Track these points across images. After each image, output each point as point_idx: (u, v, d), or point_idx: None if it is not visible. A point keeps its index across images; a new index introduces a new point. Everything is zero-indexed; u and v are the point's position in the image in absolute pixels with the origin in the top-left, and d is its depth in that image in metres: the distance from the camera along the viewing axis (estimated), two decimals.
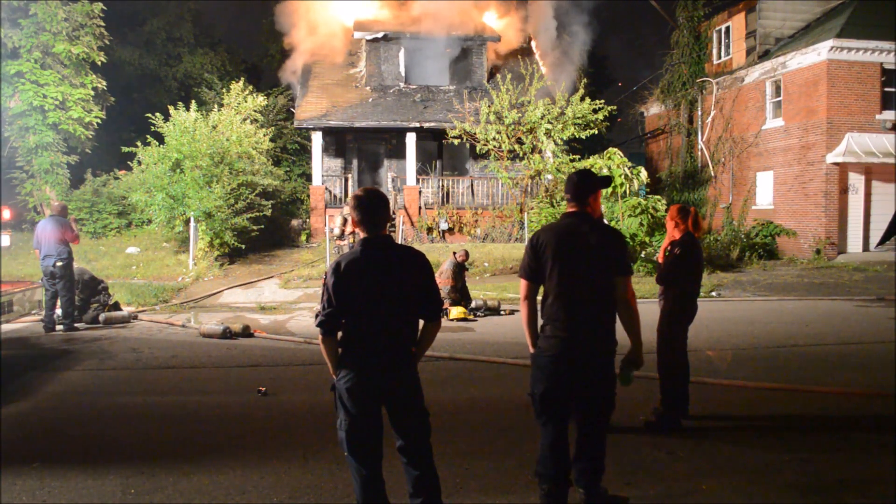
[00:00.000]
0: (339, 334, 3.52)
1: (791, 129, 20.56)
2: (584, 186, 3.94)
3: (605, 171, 16.88)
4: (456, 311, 11.10)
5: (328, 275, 3.46)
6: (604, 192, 16.62)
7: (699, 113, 24.55)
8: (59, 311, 10.39)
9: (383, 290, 3.44)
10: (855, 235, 19.68)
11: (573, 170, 18.85)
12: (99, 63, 21.64)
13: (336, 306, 3.41)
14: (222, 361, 8.28)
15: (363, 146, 23.91)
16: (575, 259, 3.80)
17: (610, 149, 18.11)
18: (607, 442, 4.02)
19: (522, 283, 3.93)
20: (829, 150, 19.17)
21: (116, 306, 11.40)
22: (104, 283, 11.48)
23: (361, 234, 3.52)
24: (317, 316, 3.53)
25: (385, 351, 3.45)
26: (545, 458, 3.86)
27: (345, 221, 16.01)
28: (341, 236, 16.29)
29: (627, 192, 17.04)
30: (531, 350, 3.91)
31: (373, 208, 3.48)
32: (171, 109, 18.01)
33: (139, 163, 17.74)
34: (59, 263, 10.17)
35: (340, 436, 3.48)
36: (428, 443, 3.58)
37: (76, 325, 10.41)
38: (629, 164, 17.25)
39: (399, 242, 4.06)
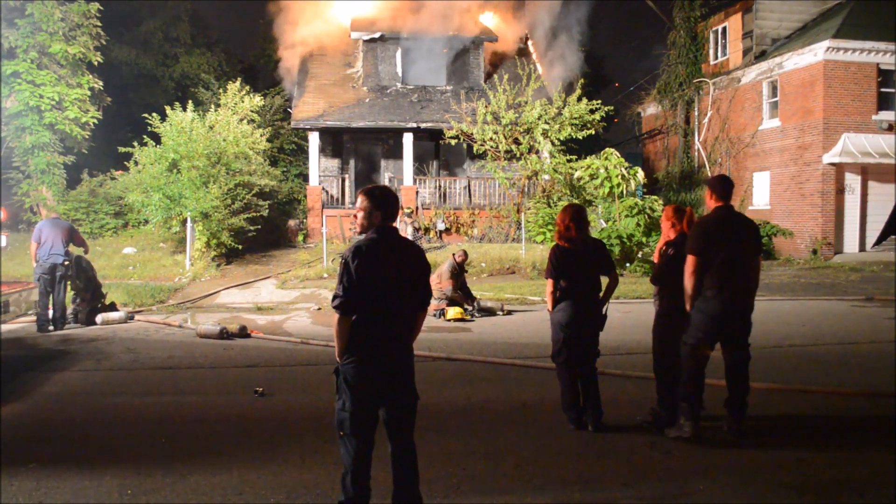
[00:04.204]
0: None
1: (787, 129, 20.60)
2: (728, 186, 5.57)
3: (602, 172, 16.91)
4: (453, 312, 11.11)
5: (349, 257, 3.58)
6: (601, 192, 16.97)
7: (696, 113, 24.59)
8: (50, 312, 10.43)
9: (396, 276, 3.66)
10: (851, 236, 19.73)
11: (571, 171, 19.10)
12: (95, 63, 21.59)
13: (359, 287, 3.56)
14: (219, 362, 8.27)
15: (360, 146, 23.89)
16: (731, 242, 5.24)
17: (607, 149, 18.12)
18: (605, 442, 4.02)
19: (690, 259, 5.20)
20: (826, 151, 19.22)
21: (113, 307, 11.37)
22: (99, 284, 11.43)
23: (375, 224, 3.70)
24: (335, 298, 3.61)
25: (395, 338, 3.67)
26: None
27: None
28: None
29: (624, 192, 17.06)
30: (688, 309, 5.20)
31: (391, 199, 3.78)
32: (168, 110, 17.96)
33: (136, 163, 17.70)
34: (66, 262, 10.40)
35: (342, 416, 3.62)
36: (413, 422, 3.76)
37: (67, 324, 10.49)
38: (626, 164, 17.28)
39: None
